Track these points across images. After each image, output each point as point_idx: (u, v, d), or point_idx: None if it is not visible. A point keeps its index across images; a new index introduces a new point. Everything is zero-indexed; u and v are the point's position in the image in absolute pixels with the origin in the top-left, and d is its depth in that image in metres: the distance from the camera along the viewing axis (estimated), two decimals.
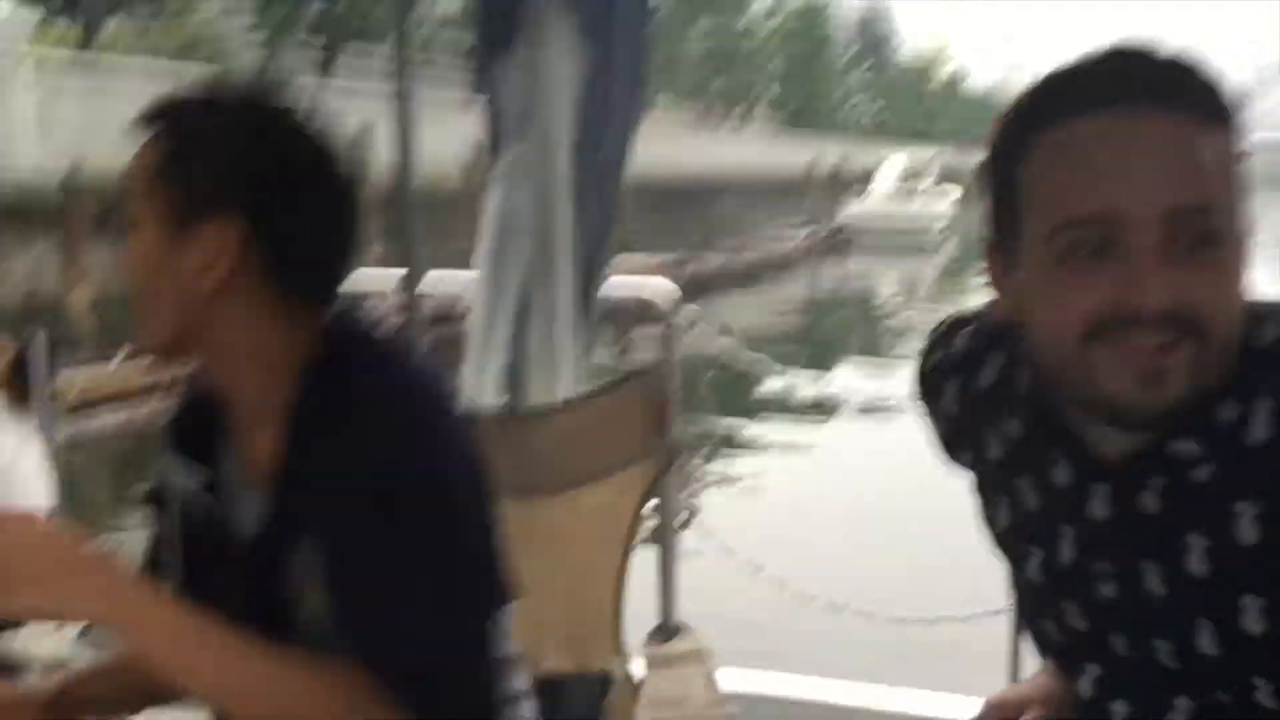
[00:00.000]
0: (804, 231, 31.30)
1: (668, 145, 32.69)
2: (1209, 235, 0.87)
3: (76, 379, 10.10)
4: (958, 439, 1.10)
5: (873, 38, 70.35)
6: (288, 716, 1.07)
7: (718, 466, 10.11)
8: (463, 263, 2.48)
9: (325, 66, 26.36)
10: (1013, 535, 1.04)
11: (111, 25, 24.07)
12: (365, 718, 1.05)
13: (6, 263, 13.40)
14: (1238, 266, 0.89)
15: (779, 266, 26.01)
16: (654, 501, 2.19)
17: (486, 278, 2.31)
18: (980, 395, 1.05)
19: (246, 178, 1.14)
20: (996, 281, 0.97)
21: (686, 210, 31.78)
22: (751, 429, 11.79)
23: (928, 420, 1.14)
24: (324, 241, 1.20)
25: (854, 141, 51.61)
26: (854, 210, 34.85)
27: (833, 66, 57.85)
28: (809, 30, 54.56)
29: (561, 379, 2.28)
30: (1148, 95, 0.87)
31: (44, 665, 2.00)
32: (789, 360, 12.86)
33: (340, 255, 1.21)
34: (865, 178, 37.89)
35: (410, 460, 1.11)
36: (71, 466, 9.39)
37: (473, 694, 1.12)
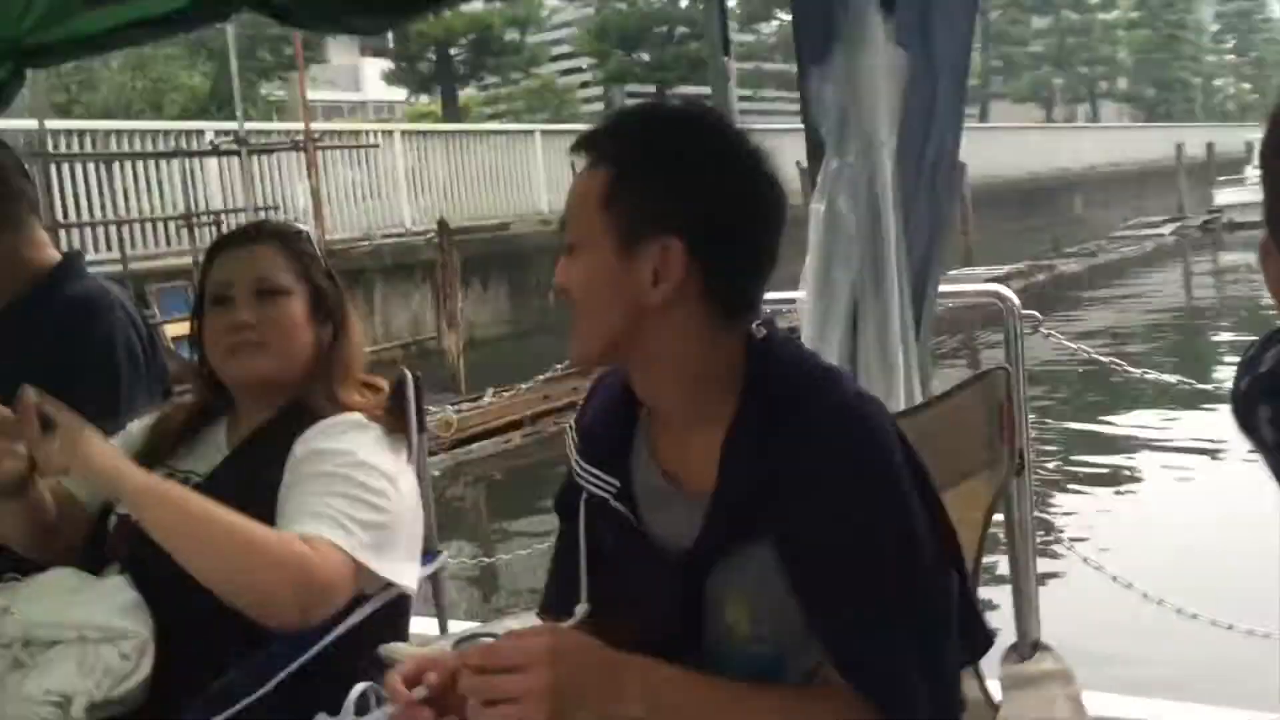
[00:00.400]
0: (1171, 226, 28.97)
1: (1013, 148, 31.46)
2: None
3: (450, 416, 10.98)
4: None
5: (1232, 15, 64.50)
6: None
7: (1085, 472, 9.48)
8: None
9: None
10: None
11: (464, 95, 26.19)
12: None
13: (392, 313, 14.80)
14: None
15: (1145, 264, 24.08)
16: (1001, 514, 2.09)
17: (816, 289, 2.29)
18: None
19: (690, 198, 1.24)
20: (1277, 286, 0.86)
21: (1038, 214, 30.35)
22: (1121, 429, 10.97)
23: (1258, 448, 1.02)
24: (752, 257, 1.29)
25: (1220, 127, 47.40)
26: (1228, 198, 31.81)
27: (1185, 51, 53.47)
28: (1152, 18, 50.79)
29: (897, 388, 2.22)
30: None
31: None
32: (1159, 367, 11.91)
33: (764, 271, 1.30)
34: (1237, 164, 34.60)
35: (887, 508, 1.20)
36: (448, 495, 10.22)
37: None
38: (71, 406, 2.24)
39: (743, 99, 29.11)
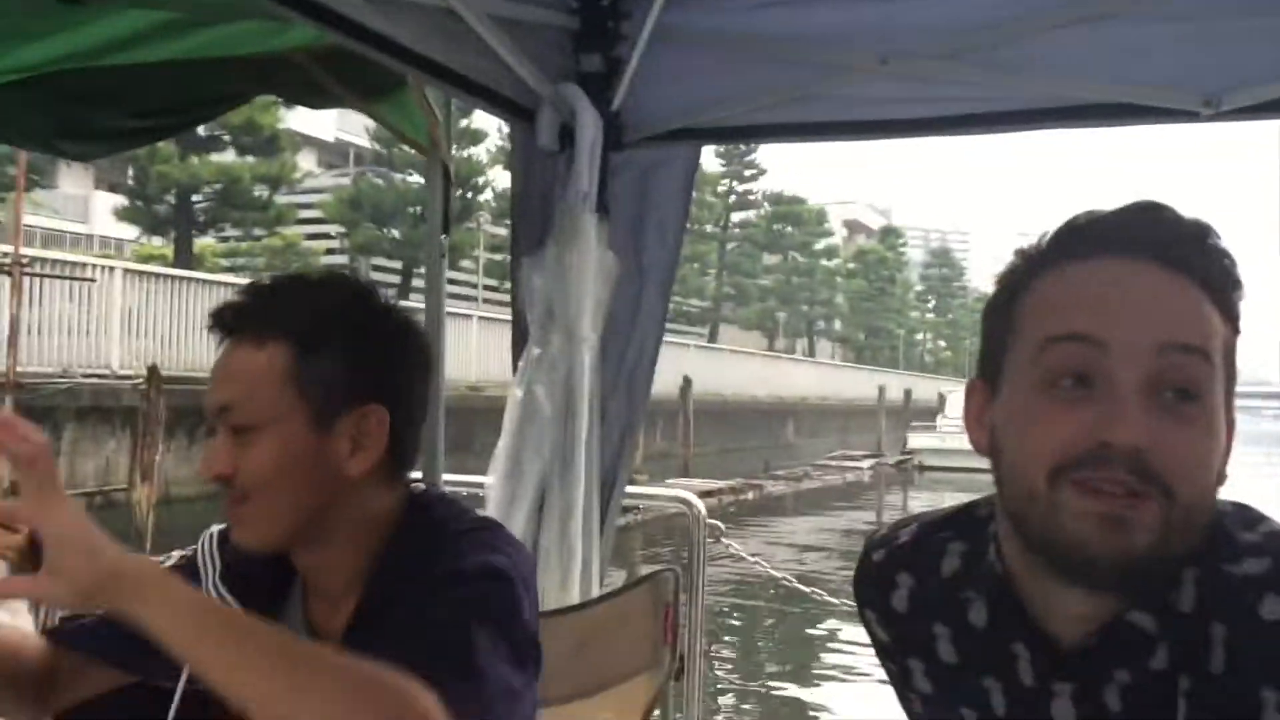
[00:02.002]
0: (870, 461, 31.09)
1: (738, 371, 33.23)
2: (1194, 386, 0.83)
3: None
4: (902, 644, 1.03)
5: (935, 279, 71.85)
6: None
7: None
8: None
9: (402, 288, 27.42)
10: None
11: (201, 243, 25.42)
12: None
13: (81, 459, 13.72)
14: (1216, 439, 0.84)
15: (843, 495, 25.63)
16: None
17: (505, 472, 2.30)
18: (940, 586, 0.99)
19: (383, 365, 1.25)
20: (976, 419, 0.93)
21: (754, 435, 31.88)
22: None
23: (869, 627, 1.06)
24: (424, 412, 1.31)
25: (919, 376, 51.96)
26: (921, 442, 34.58)
27: (893, 305, 58.90)
28: (866, 270, 55.95)
29: (574, 578, 2.23)
30: (1153, 248, 0.85)
31: None
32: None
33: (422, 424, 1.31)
34: (931, 412, 37.83)
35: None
36: None
37: None
38: None
39: (490, 288, 29.65)
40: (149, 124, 2.39)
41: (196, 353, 16.77)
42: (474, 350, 20.27)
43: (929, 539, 1.02)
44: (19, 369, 12.38)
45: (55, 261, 15.71)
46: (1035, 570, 0.88)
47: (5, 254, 13.44)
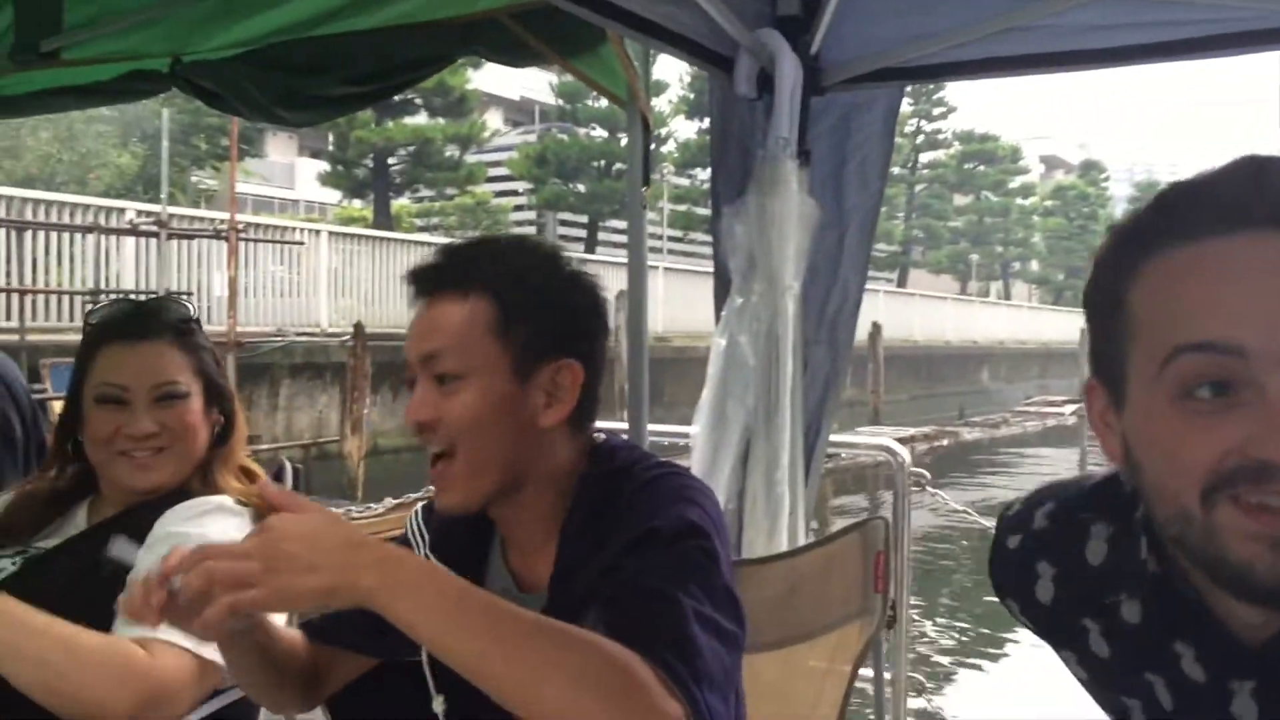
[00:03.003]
0: (1072, 406, 29.92)
1: (928, 316, 32.45)
2: None
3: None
4: (1052, 635, 0.96)
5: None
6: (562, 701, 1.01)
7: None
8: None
9: (588, 241, 27.81)
10: None
11: (398, 204, 26.35)
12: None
13: (296, 412, 14.53)
14: None
15: (1044, 441, 24.74)
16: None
17: (710, 423, 2.31)
18: (1087, 578, 0.90)
19: (579, 321, 1.33)
20: (1102, 422, 0.84)
21: (947, 382, 31.14)
22: None
23: (1015, 615, 1.00)
24: (603, 373, 1.36)
25: None
26: None
27: (1094, 243, 56.05)
28: (1065, 208, 53.39)
29: (781, 528, 2.23)
30: (1273, 216, 0.74)
31: None
32: None
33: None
34: None
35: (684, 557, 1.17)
36: None
37: None
38: None
39: (674, 239, 29.76)
40: (360, 90, 2.48)
41: (397, 310, 17.47)
42: (660, 301, 20.43)
43: (1070, 522, 0.94)
44: (238, 329, 13.18)
45: (266, 226, 16.58)
46: (1201, 579, 0.81)
47: (222, 221, 14.28)
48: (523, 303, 1.29)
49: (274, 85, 2.57)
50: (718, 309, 2.36)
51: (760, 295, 2.27)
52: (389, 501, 10.95)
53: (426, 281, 1.31)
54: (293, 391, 14.49)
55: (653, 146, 2.50)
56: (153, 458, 1.83)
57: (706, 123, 31.59)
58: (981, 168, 45.45)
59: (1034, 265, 53.82)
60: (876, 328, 23.69)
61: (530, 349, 1.28)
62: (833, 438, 2.53)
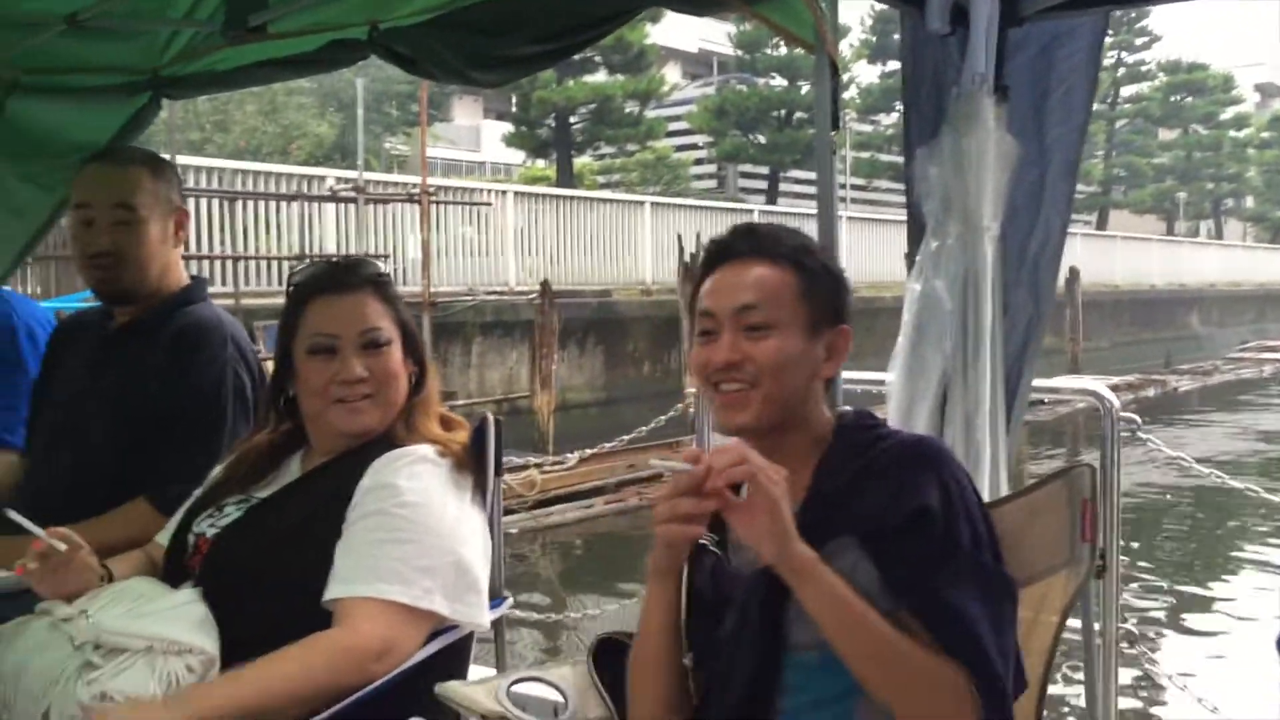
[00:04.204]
0: None
1: (1131, 259, 30.90)
2: None
3: (535, 476, 11.03)
4: None
5: None
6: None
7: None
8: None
9: (769, 193, 27.53)
10: None
11: (580, 162, 26.66)
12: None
13: (488, 369, 14.99)
14: None
15: (1262, 390, 23.15)
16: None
17: (905, 370, 2.26)
18: None
19: (845, 297, 1.66)
20: None
21: (1151, 327, 29.64)
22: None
23: None
24: None
25: None
26: None
27: None
28: None
29: (982, 478, 2.17)
30: None
31: None
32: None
33: None
34: None
35: (958, 503, 1.50)
36: (526, 554, 10.20)
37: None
38: (174, 435, 2.31)
39: (857, 187, 29.15)
40: (549, 48, 2.51)
41: (581, 267, 17.76)
42: (845, 250, 20.07)
43: None
44: (431, 289, 13.64)
45: (455, 189, 17.06)
46: None
47: (414, 185, 14.77)
48: (817, 274, 1.61)
49: (465, 47, 2.63)
50: (911, 254, 2.29)
51: (957, 238, 2.19)
52: (573, 456, 11.21)
53: (733, 250, 1.62)
54: (484, 349, 14.95)
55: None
56: (362, 403, 1.92)
57: (889, 66, 30.80)
58: (1189, 99, 42.65)
59: (1249, 201, 50.35)
60: (1074, 272, 22.68)
61: (821, 313, 1.60)
62: (1036, 382, 2.44)
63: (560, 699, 1.78)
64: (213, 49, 3.01)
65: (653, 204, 19.55)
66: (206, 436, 2.30)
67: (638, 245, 18.67)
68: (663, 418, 10.29)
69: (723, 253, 1.63)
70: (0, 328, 2.72)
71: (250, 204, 13.66)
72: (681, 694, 1.59)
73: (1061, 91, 2.29)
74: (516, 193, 17.87)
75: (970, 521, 1.50)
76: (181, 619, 1.77)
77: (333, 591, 1.77)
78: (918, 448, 1.57)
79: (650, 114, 26.76)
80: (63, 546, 1.81)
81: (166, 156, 3.16)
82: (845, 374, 2.40)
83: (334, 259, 2.13)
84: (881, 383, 2.36)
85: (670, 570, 1.56)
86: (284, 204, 14.01)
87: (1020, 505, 2.08)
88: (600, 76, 25.51)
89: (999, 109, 2.19)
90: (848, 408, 1.68)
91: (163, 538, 2.06)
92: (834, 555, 1.45)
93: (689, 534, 1.44)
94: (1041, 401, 2.39)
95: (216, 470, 2.09)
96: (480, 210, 16.45)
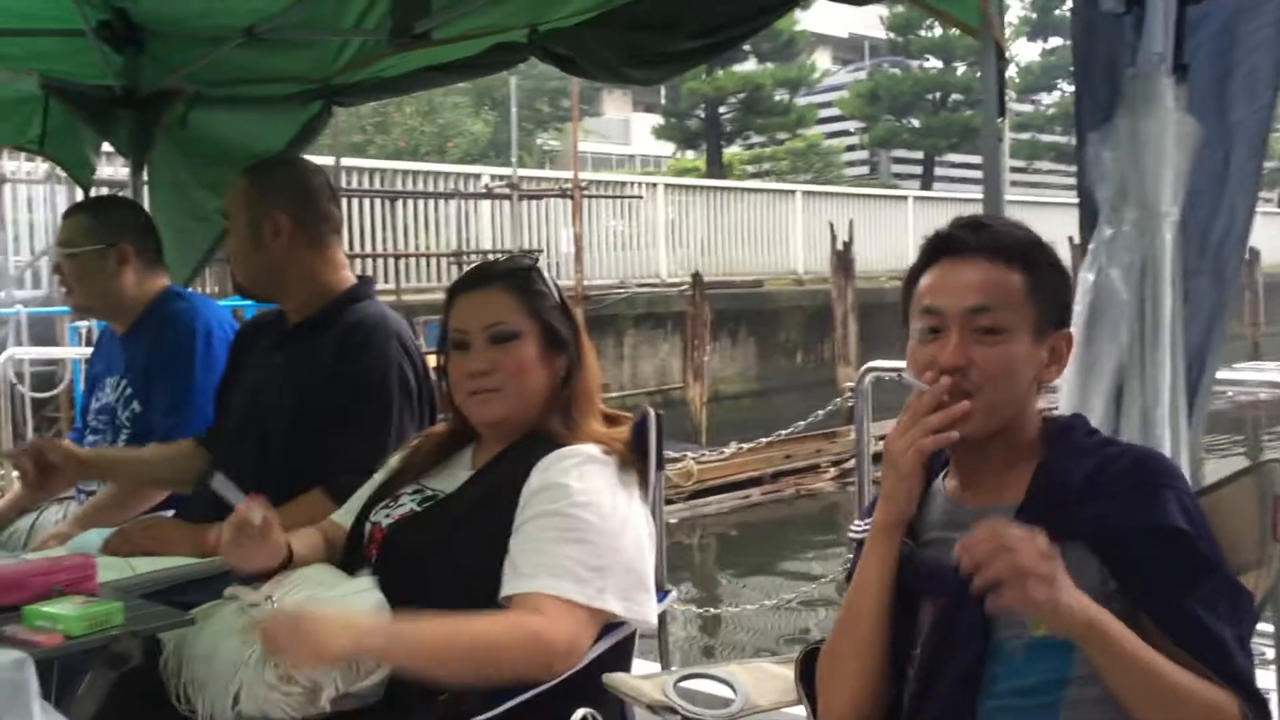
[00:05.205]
0: None
1: None
2: None
3: (691, 466, 11.08)
4: None
5: None
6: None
7: None
8: None
9: (923, 178, 26.94)
10: None
11: (729, 152, 26.58)
12: None
13: (640, 361, 15.11)
14: None
15: None
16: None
17: (1077, 363, 2.18)
18: None
19: (1070, 300, 1.67)
20: None
21: None
22: None
23: None
24: None
25: None
26: None
27: None
28: None
29: None
30: None
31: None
32: None
33: None
34: None
35: (1188, 510, 1.53)
36: (684, 543, 10.25)
37: None
38: (343, 429, 2.40)
39: (1017, 170, 28.26)
40: (708, 42, 2.52)
41: (732, 258, 17.72)
42: None
43: None
44: (584, 282, 13.82)
45: (606, 183, 17.24)
46: None
47: (566, 180, 14.98)
48: (1045, 276, 1.56)
49: (624, 46, 2.65)
50: (1083, 242, 2.21)
51: (1133, 224, 2.10)
52: (733, 446, 11.19)
53: (958, 243, 1.55)
54: (636, 341, 15.06)
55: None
56: (487, 396, 1.97)
57: (1050, 43, 29.73)
58: None
59: None
60: (1254, 253, 21.50)
61: (1047, 317, 1.55)
62: (1220, 374, 2.32)
63: (730, 693, 1.79)
64: (380, 56, 3.12)
65: (804, 192, 19.36)
66: (374, 428, 2.39)
67: (789, 234, 18.52)
68: (820, 411, 10.19)
69: (946, 245, 1.56)
70: (184, 328, 2.86)
71: (410, 203, 14.08)
72: (883, 684, 1.55)
73: (1246, 69, 2.18)
74: (666, 185, 17.95)
75: (1210, 540, 1.51)
76: (358, 605, 1.84)
77: (512, 587, 1.81)
78: (1154, 463, 1.56)
79: (800, 101, 26.52)
80: (259, 518, 1.88)
81: (331, 160, 3.28)
82: None
83: (487, 259, 2.19)
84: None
85: (898, 523, 1.53)
86: (442, 202, 14.40)
87: (1205, 502, 1.99)
88: (750, 65, 25.38)
89: (1179, 89, 2.09)
90: (1056, 410, 1.67)
91: (342, 518, 2.14)
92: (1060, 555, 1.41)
93: (944, 440, 1.46)
94: (1224, 393, 2.27)
95: (394, 460, 2.17)
96: (631, 203, 16.58)
